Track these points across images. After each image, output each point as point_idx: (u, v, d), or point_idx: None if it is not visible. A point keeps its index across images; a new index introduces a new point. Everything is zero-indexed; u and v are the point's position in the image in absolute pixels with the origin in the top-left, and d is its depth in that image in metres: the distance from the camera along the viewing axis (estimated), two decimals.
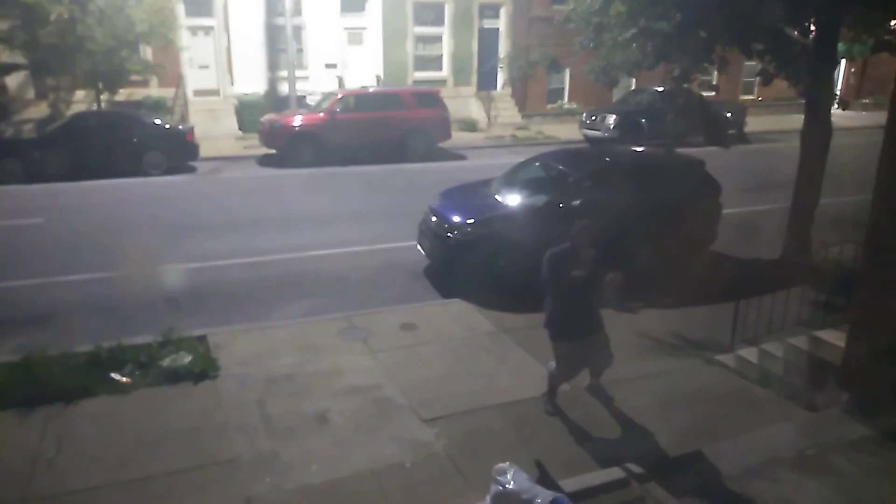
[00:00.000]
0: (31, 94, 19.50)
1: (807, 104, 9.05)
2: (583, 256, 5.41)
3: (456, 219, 8.62)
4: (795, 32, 8.87)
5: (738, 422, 5.77)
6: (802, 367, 6.34)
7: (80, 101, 18.85)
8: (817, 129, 8.89)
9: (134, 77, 18.66)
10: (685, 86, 9.46)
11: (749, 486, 4.86)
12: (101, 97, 18.34)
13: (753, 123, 23.72)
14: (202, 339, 6.99)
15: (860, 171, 6.87)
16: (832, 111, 9.15)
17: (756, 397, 6.28)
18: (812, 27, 8.69)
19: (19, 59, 17.71)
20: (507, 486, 4.36)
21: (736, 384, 6.52)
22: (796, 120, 9.42)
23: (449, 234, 8.54)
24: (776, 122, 24.53)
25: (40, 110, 19.00)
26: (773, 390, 6.33)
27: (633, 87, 24.48)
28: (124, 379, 6.17)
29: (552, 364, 5.84)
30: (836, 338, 6.11)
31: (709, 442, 5.39)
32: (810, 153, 9.00)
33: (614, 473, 5.00)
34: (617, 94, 23.85)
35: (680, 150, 11.21)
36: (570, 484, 4.82)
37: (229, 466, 5.08)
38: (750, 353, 6.78)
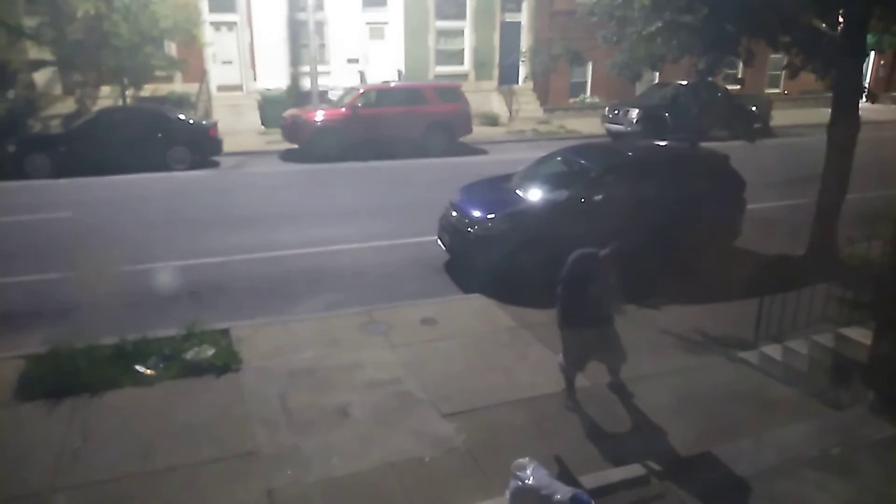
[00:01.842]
0: (58, 90, 19.79)
1: (834, 97, 8.89)
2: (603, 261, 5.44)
3: (477, 214, 8.60)
4: (823, 24, 8.71)
5: (760, 419, 5.71)
6: (827, 365, 6.25)
7: (106, 96, 19.09)
8: (845, 123, 8.72)
9: (158, 73, 18.90)
10: (710, 79, 9.34)
11: (772, 485, 4.81)
12: (127, 93, 18.59)
13: (779, 117, 23.38)
14: (225, 332, 7.06)
15: (889, 165, 6.74)
16: (860, 104, 8.98)
17: (780, 395, 6.20)
18: (840, 19, 8.53)
19: (47, 55, 18.00)
20: (526, 481, 4.36)
21: (759, 381, 6.45)
22: (823, 113, 9.26)
23: (469, 229, 8.53)
24: (802, 116, 24.18)
25: (67, 106, 19.25)
26: (797, 388, 6.24)
27: (656, 81, 24.23)
28: (148, 371, 6.25)
29: (560, 356, 5.86)
30: (862, 335, 6.01)
31: (731, 440, 5.35)
32: (837, 147, 8.84)
33: (635, 470, 4.97)
34: (640, 88, 23.63)
35: (704, 145, 11.09)
36: (590, 480, 4.80)
37: (251, 458, 5.13)
38: (774, 351, 6.69)
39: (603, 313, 5.68)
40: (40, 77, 19.41)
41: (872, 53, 26.31)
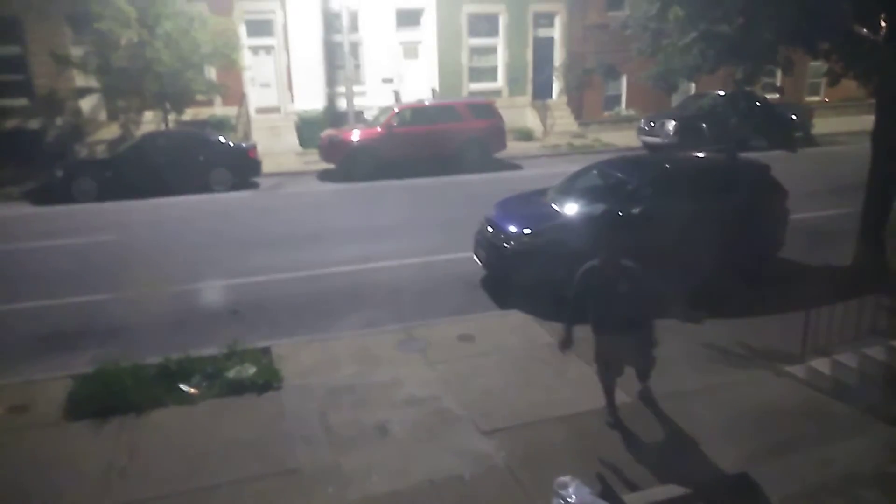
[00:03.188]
0: (103, 115, 20.41)
1: (877, 104, 8.69)
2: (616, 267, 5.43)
3: (512, 229, 8.58)
4: (864, 30, 8.53)
5: (810, 436, 5.54)
6: (879, 379, 6.05)
7: (149, 121, 19.65)
8: (889, 130, 8.51)
9: (199, 97, 19.38)
10: (748, 89, 9.20)
11: (823, 503, 4.66)
12: (169, 117, 19.08)
13: (820, 125, 22.94)
14: (266, 350, 7.14)
15: None
16: None
17: (830, 410, 6.01)
18: (883, 23, 8.34)
19: (92, 82, 18.61)
20: (568, 499, 4.31)
21: (808, 396, 6.26)
22: (866, 121, 9.06)
23: (506, 245, 8.51)
24: (845, 124, 23.66)
25: (112, 131, 19.88)
26: (847, 403, 6.04)
27: (692, 92, 23.98)
28: (192, 390, 6.35)
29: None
30: None
31: (780, 457, 5.21)
32: (882, 155, 8.62)
33: (679, 490, 4.86)
34: (676, 100, 23.42)
35: (744, 155, 10.91)
36: (634, 499, 4.72)
37: (293, 476, 5.16)
38: (822, 364, 6.50)
39: (629, 316, 5.56)
40: (86, 104, 20.06)
41: None
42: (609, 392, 5.84)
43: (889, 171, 8.63)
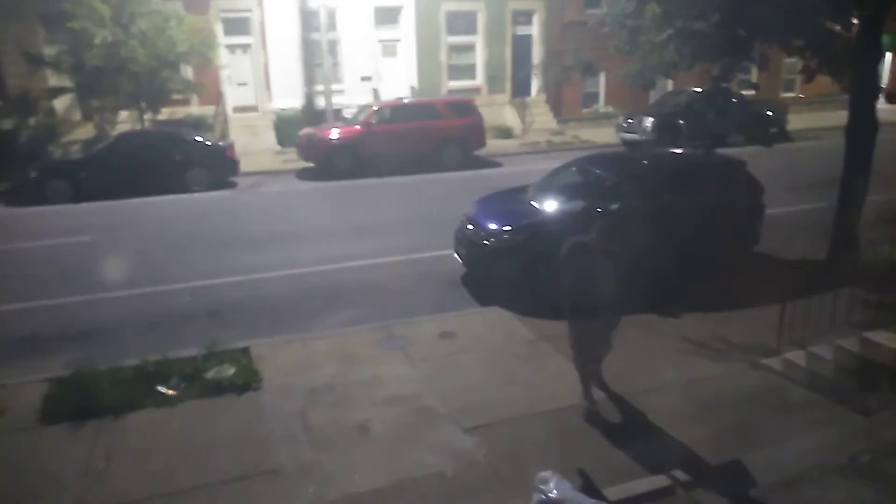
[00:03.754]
0: (77, 115, 20.10)
1: (851, 99, 8.81)
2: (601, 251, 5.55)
3: (492, 226, 8.60)
4: (837, 27, 8.65)
5: (786, 427, 5.62)
6: (853, 370, 6.14)
7: (125, 121, 19.37)
8: (863, 125, 8.64)
9: (175, 96, 19.18)
10: (724, 85, 9.30)
11: (800, 493, 4.73)
12: (145, 116, 18.85)
13: (796, 121, 23.21)
14: (245, 351, 7.09)
15: None
16: (879, 105, 8.89)
17: (805, 401, 6.10)
18: (855, 20, 8.47)
19: (66, 82, 18.33)
20: (549, 494, 4.32)
21: (784, 388, 6.35)
22: (840, 116, 9.17)
23: (486, 242, 8.53)
24: (819, 119, 23.94)
25: (86, 131, 19.56)
26: (822, 394, 6.13)
27: (670, 89, 24.18)
28: (170, 392, 6.29)
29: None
30: (888, 339, 5.91)
31: (757, 448, 5.27)
32: (856, 149, 8.75)
33: (659, 481, 4.91)
34: (654, 97, 23.59)
35: (720, 151, 11.02)
36: (615, 492, 4.75)
37: (273, 477, 5.13)
38: (797, 357, 6.59)
39: (603, 302, 5.63)
40: (60, 104, 19.73)
41: (889, 54, 26.03)
42: (586, 379, 5.89)
43: (862, 166, 8.75)
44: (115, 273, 9.79)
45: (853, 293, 6.81)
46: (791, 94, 28.00)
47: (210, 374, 6.47)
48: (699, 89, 20.58)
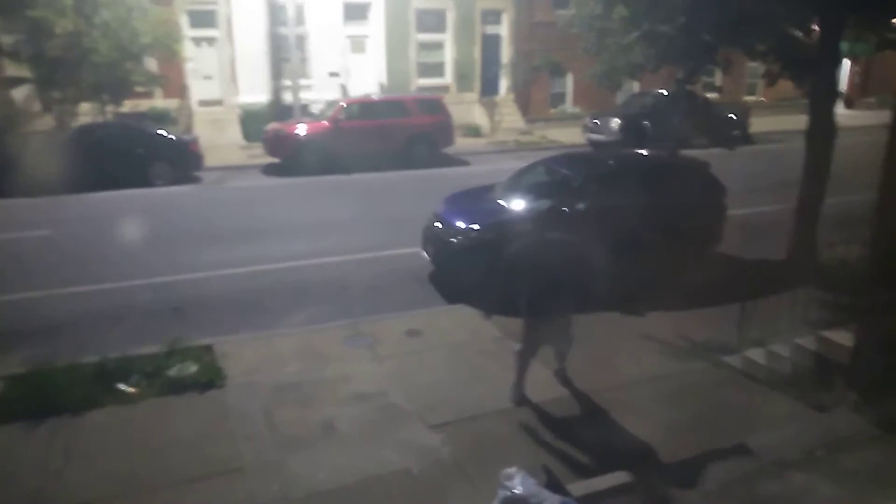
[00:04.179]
0: (36, 107, 19.57)
1: (811, 104, 9.02)
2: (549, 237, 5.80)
3: (460, 224, 8.62)
4: (799, 32, 8.85)
5: (745, 423, 5.73)
6: (810, 367, 6.31)
7: (86, 113, 18.94)
8: (822, 129, 8.85)
9: (139, 88, 18.75)
10: (688, 88, 9.45)
11: (757, 487, 4.84)
12: (107, 109, 18.44)
13: (758, 124, 23.69)
14: (208, 348, 6.99)
15: (865, 169, 6.83)
16: (837, 110, 9.11)
17: (763, 398, 6.24)
18: (815, 27, 8.67)
19: (25, 72, 17.83)
20: (514, 490, 4.35)
21: (743, 385, 6.49)
22: (801, 120, 9.38)
23: (453, 240, 8.54)
24: (781, 123, 24.47)
25: (46, 123, 19.08)
26: (780, 391, 6.28)
27: (636, 91, 24.48)
28: (131, 389, 6.18)
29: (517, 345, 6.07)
30: (843, 337, 6.08)
31: (717, 444, 5.36)
32: (815, 153, 8.96)
33: (622, 477, 4.97)
34: (620, 98, 23.87)
35: (684, 153, 11.20)
36: (578, 488, 4.80)
37: (237, 475, 5.07)
38: (757, 354, 6.75)
39: (558, 299, 5.79)
40: (18, 94, 19.20)
41: (848, 61, 26.73)
42: (520, 369, 6.01)
43: (821, 169, 8.96)
44: (74, 268, 9.59)
45: (811, 293, 6.99)
46: (754, 98, 28.56)
47: (172, 372, 6.37)
48: (665, 92, 20.89)
